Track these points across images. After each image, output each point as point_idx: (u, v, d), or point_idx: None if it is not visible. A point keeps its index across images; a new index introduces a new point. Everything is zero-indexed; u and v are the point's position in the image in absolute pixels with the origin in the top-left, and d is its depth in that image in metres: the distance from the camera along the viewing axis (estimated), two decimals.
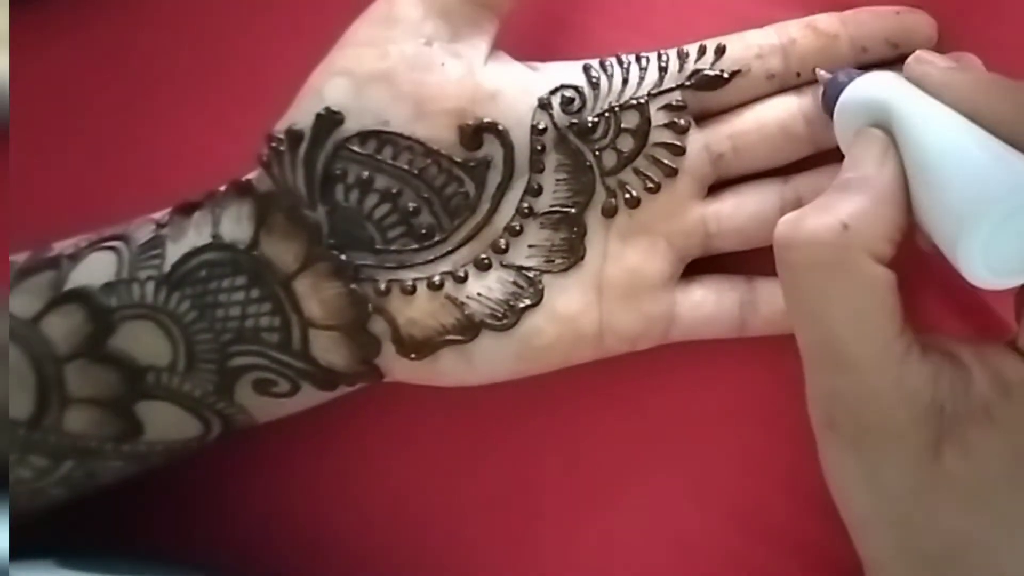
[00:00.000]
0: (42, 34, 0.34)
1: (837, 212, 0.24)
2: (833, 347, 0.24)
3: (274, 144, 0.28)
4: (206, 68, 0.34)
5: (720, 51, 0.29)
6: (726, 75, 0.29)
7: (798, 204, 0.29)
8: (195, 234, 0.28)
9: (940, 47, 0.30)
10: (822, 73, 0.29)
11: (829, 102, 0.28)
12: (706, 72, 0.29)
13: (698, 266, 0.30)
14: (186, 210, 0.29)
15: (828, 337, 0.24)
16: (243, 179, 0.29)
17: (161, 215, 0.29)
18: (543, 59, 0.30)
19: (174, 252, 0.28)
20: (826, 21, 0.30)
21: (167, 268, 0.28)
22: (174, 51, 0.34)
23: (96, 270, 0.28)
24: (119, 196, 0.32)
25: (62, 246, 0.29)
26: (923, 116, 0.25)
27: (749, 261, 0.30)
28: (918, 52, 0.27)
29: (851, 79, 0.27)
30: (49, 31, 0.34)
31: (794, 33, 0.30)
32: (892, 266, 0.24)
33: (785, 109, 0.29)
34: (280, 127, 0.29)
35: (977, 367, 0.25)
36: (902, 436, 0.24)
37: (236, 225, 0.28)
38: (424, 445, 0.32)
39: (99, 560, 0.29)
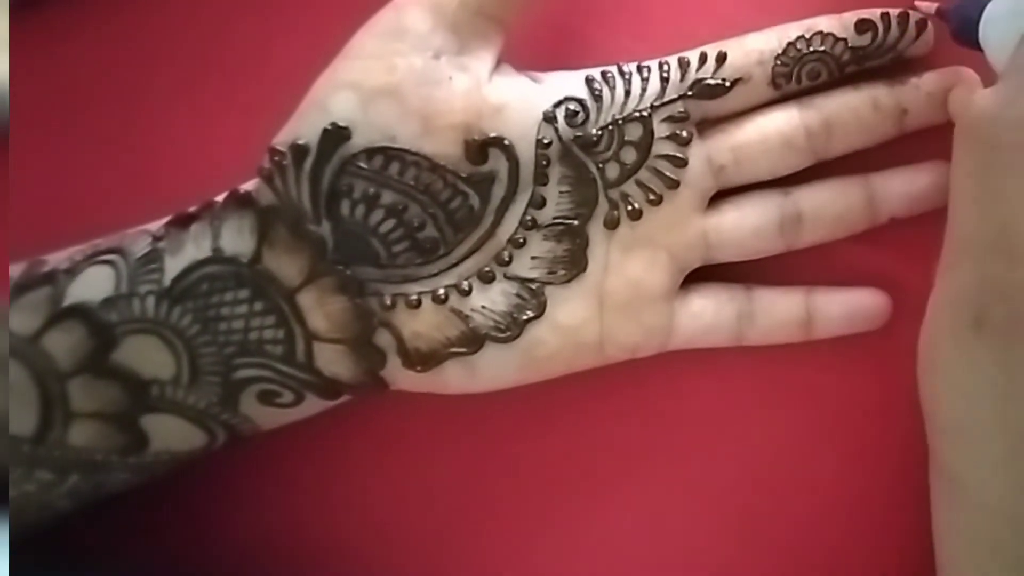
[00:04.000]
0: (42, 36, 0.32)
1: None
2: (1010, 234, 0.23)
3: (277, 158, 0.27)
4: (207, 70, 0.32)
5: (721, 59, 0.28)
6: (727, 84, 0.28)
7: (798, 218, 0.29)
8: (194, 247, 0.27)
9: (935, 52, 0.29)
10: (927, 5, 0.28)
11: (968, 18, 0.26)
12: (708, 81, 0.28)
13: (696, 272, 0.29)
14: (183, 222, 0.27)
15: (1008, 223, 0.23)
16: (242, 191, 0.27)
17: (156, 227, 0.28)
18: (545, 67, 0.29)
19: (173, 266, 0.27)
20: (827, 23, 0.29)
21: (167, 282, 0.27)
22: (174, 54, 0.32)
23: (94, 285, 0.27)
24: (120, 198, 0.31)
25: (56, 260, 0.28)
26: None
27: (747, 269, 0.29)
28: None
29: None
30: (49, 33, 0.33)
31: (795, 36, 0.28)
32: None
33: (787, 121, 0.29)
34: (283, 140, 0.27)
35: None
36: None
37: (237, 238, 0.27)
38: (425, 450, 0.31)
39: None
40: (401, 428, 0.31)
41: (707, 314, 0.29)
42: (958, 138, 0.24)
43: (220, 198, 0.28)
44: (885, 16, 0.28)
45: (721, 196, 0.29)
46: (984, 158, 0.23)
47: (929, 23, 0.29)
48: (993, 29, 0.25)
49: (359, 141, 0.27)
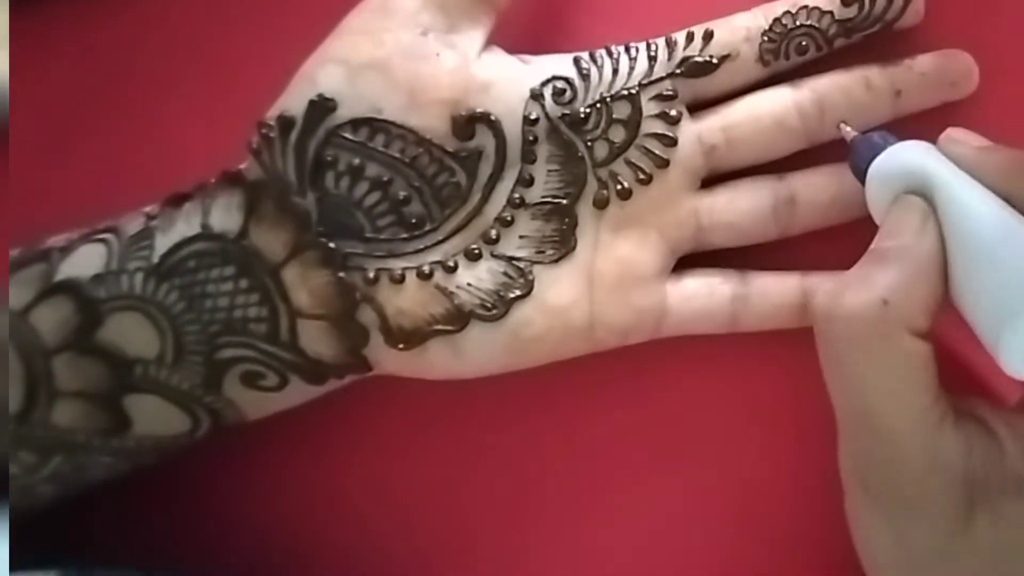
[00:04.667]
0: (42, 34, 0.33)
1: (877, 287, 0.23)
2: (868, 416, 0.24)
3: (264, 130, 0.27)
4: (207, 64, 0.33)
5: (708, 36, 0.28)
6: (715, 61, 0.28)
7: (792, 202, 0.28)
8: (184, 225, 0.27)
9: (931, 30, 0.29)
10: (848, 130, 0.28)
11: (860, 163, 0.27)
12: (695, 59, 0.28)
13: (691, 261, 0.29)
14: (176, 201, 0.28)
15: (863, 407, 0.24)
16: (233, 169, 0.27)
17: (152, 208, 0.28)
18: (534, 52, 0.29)
19: (163, 243, 0.27)
20: None
21: (156, 259, 0.27)
22: (173, 50, 0.33)
23: (86, 262, 0.27)
24: (119, 195, 0.31)
25: (55, 240, 0.28)
26: (962, 196, 0.24)
27: (742, 256, 0.29)
28: (949, 131, 0.26)
29: (885, 142, 0.26)
30: (48, 31, 0.33)
31: (781, 11, 0.28)
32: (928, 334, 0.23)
33: (779, 101, 0.28)
34: (271, 113, 0.27)
35: (1010, 440, 0.24)
36: (933, 503, 0.23)
37: (226, 215, 0.27)
38: (418, 445, 0.30)
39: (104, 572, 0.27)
40: (390, 422, 0.30)
41: (700, 297, 0.28)
42: (815, 332, 0.25)
43: (214, 178, 0.28)
44: None
45: (715, 182, 0.29)
46: (829, 352, 0.24)
47: None
48: (873, 182, 0.26)
49: (344, 112, 0.27)
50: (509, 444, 0.30)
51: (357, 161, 0.27)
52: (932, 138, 0.27)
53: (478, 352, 0.27)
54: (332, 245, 0.27)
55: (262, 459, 0.30)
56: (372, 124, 0.27)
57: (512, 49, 0.29)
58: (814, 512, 0.28)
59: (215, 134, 0.31)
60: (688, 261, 0.29)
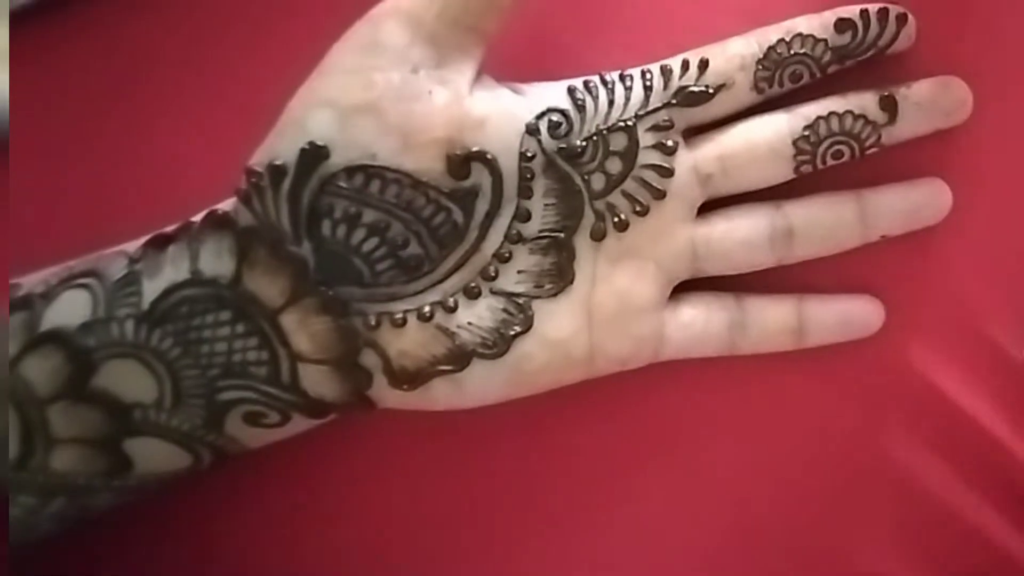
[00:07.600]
0: (42, 50, 0.32)
1: None
2: None
3: (254, 179, 0.26)
4: (206, 81, 0.31)
5: (703, 65, 0.27)
6: (711, 91, 0.27)
7: (789, 232, 0.28)
8: (172, 270, 0.26)
9: (925, 55, 0.28)
10: None
11: None
12: (691, 89, 0.27)
13: (687, 282, 0.29)
14: (160, 244, 0.27)
15: None
16: (219, 211, 0.27)
17: (133, 248, 0.27)
18: (525, 78, 0.28)
19: (151, 289, 0.26)
20: (806, 25, 0.28)
21: (145, 305, 0.26)
22: (173, 65, 0.32)
23: (71, 310, 0.26)
24: (120, 208, 0.30)
25: (31, 283, 0.27)
26: None
27: (737, 285, 0.29)
28: None
29: None
30: (49, 47, 0.32)
31: (775, 40, 0.28)
32: None
33: (774, 130, 0.28)
34: (260, 160, 0.26)
35: None
36: None
37: (216, 260, 0.26)
38: (414, 462, 0.30)
39: None
40: (387, 441, 0.30)
41: (697, 324, 0.28)
42: None
43: (198, 218, 0.27)
44: (864, 13, 0.28)
45: (712, 207, 0.28)
46: None
47: (910, 18, 0.28)
48: None
49: (338, 160, 0.26)
50: (503, 458, 0.30)
51: (353, 209, 0.26)
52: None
53: (480, 387, 0.27)
54: (331, 293, 0.26)
55: (252, 478, 0.30)
56: (367, 171, 0.26)
57: (502, 75, 0.28)
58: (811, 525, 0.29)
59: (215, 150, 0.30)
60: (684, 282, 0.28)
